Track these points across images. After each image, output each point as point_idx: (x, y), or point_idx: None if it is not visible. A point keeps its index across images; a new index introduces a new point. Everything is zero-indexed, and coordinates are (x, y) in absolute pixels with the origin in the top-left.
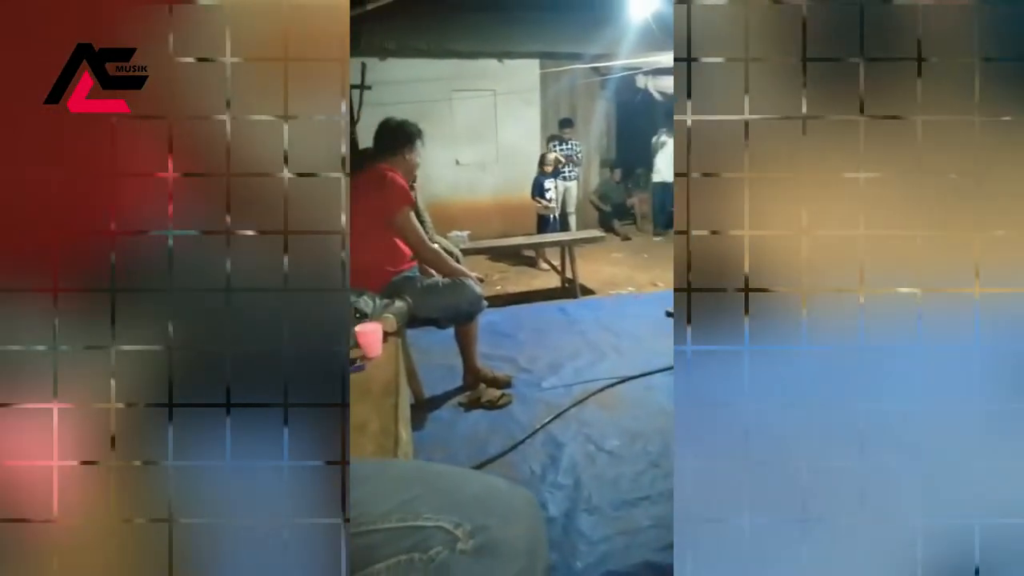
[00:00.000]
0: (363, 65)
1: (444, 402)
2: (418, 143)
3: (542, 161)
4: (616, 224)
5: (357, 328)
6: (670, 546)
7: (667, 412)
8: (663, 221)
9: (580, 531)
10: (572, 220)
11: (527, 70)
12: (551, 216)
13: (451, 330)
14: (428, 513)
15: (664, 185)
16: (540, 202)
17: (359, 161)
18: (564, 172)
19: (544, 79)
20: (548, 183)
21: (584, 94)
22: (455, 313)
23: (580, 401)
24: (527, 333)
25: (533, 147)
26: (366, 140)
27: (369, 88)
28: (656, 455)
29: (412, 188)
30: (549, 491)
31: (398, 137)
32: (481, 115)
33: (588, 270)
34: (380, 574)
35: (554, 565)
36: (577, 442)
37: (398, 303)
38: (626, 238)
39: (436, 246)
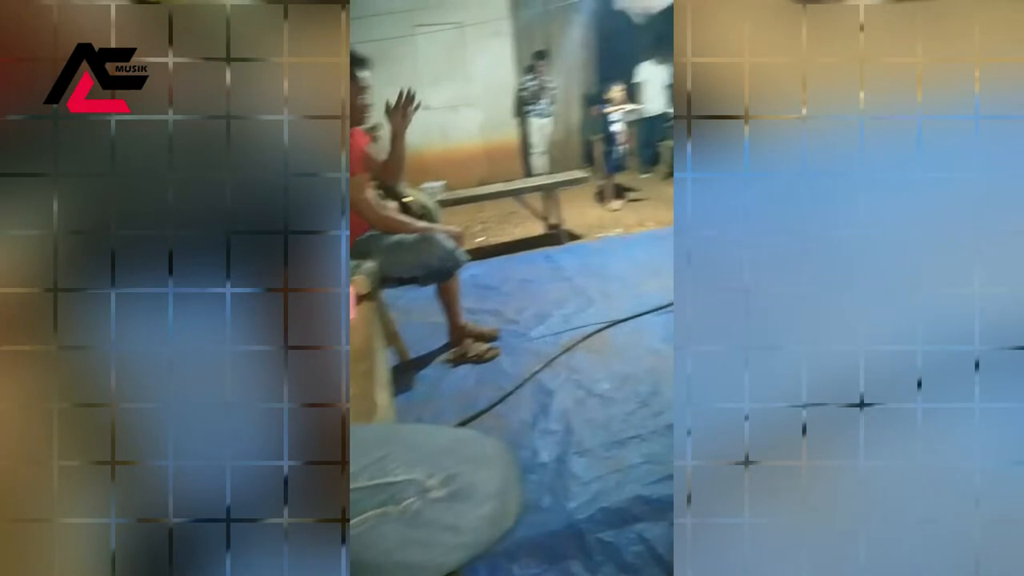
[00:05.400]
0: None
1: (430, 361)
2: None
3: (608, 102)
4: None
5: None
6: (661, 480)
7: (657, 352)
8: (649, 157)
9: (572, 473)
10: (545, 160)
11: None
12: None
13: (432, 288)
14: (398, 469)
15: (649, 120)
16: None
17: None
18: (538, 107)
19: (514, 5)
20: (616, 125)
21: (560, 20)
22: (428, 270)
23: (569, 348)
24: (512, 284)
25: (508, 84)
26: None
27: None
28: (646, 395)
29: (373, 135)
30: (540, 438)
31: None
32: (448, 51)
33: (573, 214)
34: (355, 529)
35: (547, 507)
36: (567, 389)
37: (368, 264)
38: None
39: (388, 212)
